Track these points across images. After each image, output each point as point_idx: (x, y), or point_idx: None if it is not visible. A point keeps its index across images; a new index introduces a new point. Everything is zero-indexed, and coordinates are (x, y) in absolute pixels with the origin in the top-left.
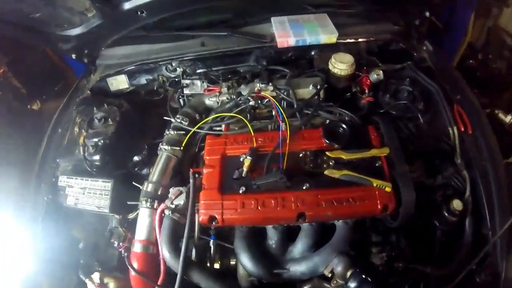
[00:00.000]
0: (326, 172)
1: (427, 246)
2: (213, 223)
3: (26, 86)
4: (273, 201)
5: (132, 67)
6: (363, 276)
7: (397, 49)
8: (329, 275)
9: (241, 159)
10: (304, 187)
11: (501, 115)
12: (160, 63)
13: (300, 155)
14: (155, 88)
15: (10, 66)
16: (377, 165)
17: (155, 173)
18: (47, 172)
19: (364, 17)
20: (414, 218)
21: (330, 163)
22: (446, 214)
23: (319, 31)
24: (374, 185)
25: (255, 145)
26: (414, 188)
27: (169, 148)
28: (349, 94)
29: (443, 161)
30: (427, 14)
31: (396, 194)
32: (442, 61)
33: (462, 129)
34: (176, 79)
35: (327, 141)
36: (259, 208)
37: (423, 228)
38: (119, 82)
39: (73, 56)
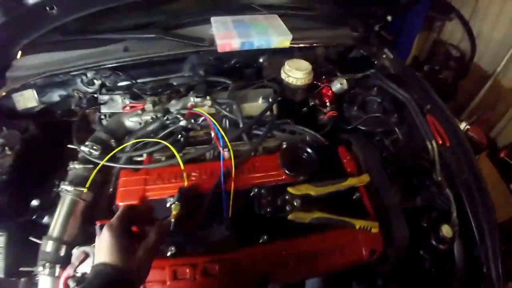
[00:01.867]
0: (290, 217)
1: (415, 280)
2: None
3: None
4: (217, 267)
5: (39, 80)
6: None
7: (357, 57)
8: None
9: (168, 205)
10: (261, 241)
11: None
12: (73, 73)
13: (252, 193)
14: (72, 107)
15: None
16: (354, 197)
17: (56, 224)
18: None
19: (319, 21)
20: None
21: (295, 204)
22: (435, 243)
23: (270, 33)
24: (357, 227)
25: (186, 183)
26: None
27: (73, 189)
28: (305, 108)
29: (422, 179)
30: (389, 18)
31: (384, 232)
32: (405, 69)
33: (440, 142)
34: (95, 95)
35: (288, 172)
36: (197, 278)
37: (407, 261)
38: (27, 99)
39: None
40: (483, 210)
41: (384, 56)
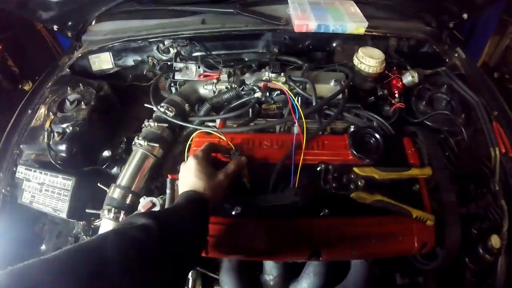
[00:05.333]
0: (353, 195)
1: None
2: None
3: (18, 65)
4: (279, 231)
5: (118, 44)
6: None
7: (428, 52)
8: None
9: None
10: (321, 214)
11: None
12: (150, 40)
13: (318, 168)
14: (144, 72)
15: (4, 44)
16: (414, 189)
17: (125, 174)
18: (8, 160)
19: (393, 12)
20: None
21: (359, 184)
22: (481, 252)
23: (346, 18)
24: (414, 216)
25: (258, 149)
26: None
27: (146, 144)
28: (373, 97)
29: (479, 187)
30: (465, 16)
31: (437, 230)
32: (477, 71)
33: (503, 151)
34: (169, 62)
35: (356, 154)
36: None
37: (450, 267)
38: (102, 61)
39: (55, 27)
40: None
41: (456, 55)
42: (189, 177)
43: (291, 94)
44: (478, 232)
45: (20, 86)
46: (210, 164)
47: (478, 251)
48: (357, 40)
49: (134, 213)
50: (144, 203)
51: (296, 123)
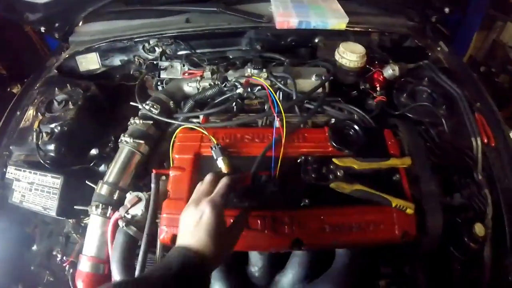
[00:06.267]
0: (332, 185)
1: (441, 278)
2: None
3: (6, 68)
4: (260, 222)
5: (104, 44)
6: None
7: (411, 47)
8: None
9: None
10: (302, 204)
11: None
12: (136, 40)
13: (299, 160)
14: (131, 72)
15: None
16: (394, 178)
17: (112, 171)
18: None
19: (376, 8)
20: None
21: (338, 174)
22: (466, 240)
23: (327, 14)
24: (393, 205)
25: (240, 143)
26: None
27: (132, 141)
28: (355, 92)
29: (462, 177)
30: (447, 10)
31: (418, 218)
32: (459, 64)
33: (486, 141)
34: (155, 62)
35: (335, 145)
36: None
37: (436, 256)
38: (89, 62)
39: (42, 29)
40: None
41: (439, 49)
42: (199, 232)
43: (271, 89)
44: (463, 221)
45: (8, 89)
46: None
47: (463, 240)
48: (339, 36)
49: (120, 207)
50: (130, 198)
51: (276, 117)
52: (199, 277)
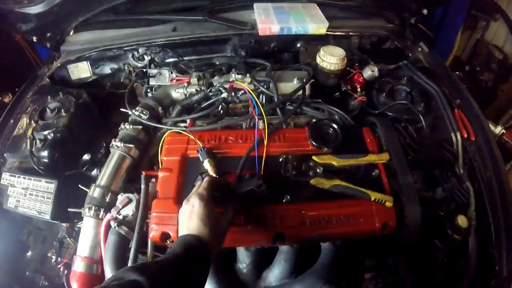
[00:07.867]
0: (312, 182)
1: (427, 270)
2: (167, 241)
3: None
4: (243, 217)
5: (94, 53)
6: None
7: (391, 48)
8: None
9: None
10: (284, 200)
11: (491, 126)
12: (125, 49)
13: (280, 159)
14: (121, 80)
15: None
16: (373, 174)
17: (104, 175)
18: None
19: (356, 12)
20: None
21: (318, 171)
22: (450, 232)
23: (307, 20)
24: (372, 199)
25: (225, 144)
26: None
27: (123, 145)
28: (338, 93)
29: (443, 171)
30: (425, 12)
31: (397, 210)
32: (439, 63)
33: (465, 135)
34: (144, 69)
35: (315, 144)
36: None
37: (421, 249)
38: (81, 70)
39: (34, 39)
40: (502, 209)
41: (420, 49)
42: (193, 221)
43: (252, 93)
44: (446, 214)
45: (0, 99)
46: (213, 205)
47: (446, 232)
48: (320, 40)
49: (112, 208)
50: (121, 199)
51: (257, 119)
52: (201, 257)
